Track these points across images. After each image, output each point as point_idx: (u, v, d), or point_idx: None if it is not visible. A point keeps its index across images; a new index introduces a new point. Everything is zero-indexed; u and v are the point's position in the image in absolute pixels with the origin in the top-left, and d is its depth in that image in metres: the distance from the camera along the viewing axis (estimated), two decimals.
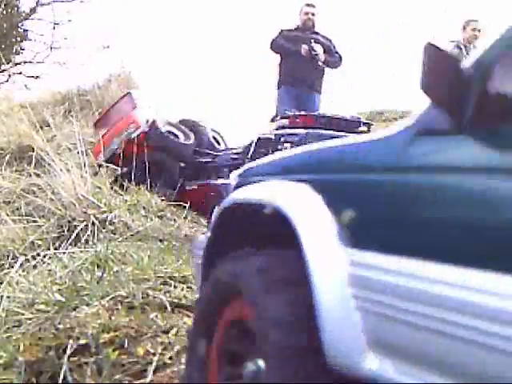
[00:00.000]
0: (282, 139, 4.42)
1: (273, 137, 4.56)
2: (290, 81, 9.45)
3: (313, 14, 9.65)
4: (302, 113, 4.74)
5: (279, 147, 4.38)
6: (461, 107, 1.21)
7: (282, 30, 9.55)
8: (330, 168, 1.55)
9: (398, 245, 1.25)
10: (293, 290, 1.41)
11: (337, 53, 9.40)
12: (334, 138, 4.28)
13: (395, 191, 1.31)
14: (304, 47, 9.15)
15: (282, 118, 4.71)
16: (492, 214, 1.11)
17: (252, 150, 4.78)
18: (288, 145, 4.29)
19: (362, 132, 4.40)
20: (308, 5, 9.66)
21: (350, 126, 4.45)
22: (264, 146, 4.62)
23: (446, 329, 1.12)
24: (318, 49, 9.09)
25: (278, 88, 9.56)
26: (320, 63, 9.03)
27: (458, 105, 1.22)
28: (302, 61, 9.13)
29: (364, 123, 4.50)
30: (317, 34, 9.49)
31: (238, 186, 1.92)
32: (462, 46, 7.48)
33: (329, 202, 1.42)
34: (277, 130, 4.70)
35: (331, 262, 1.33)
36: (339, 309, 1.29)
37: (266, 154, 4.41)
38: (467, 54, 7.49)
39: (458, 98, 1.21)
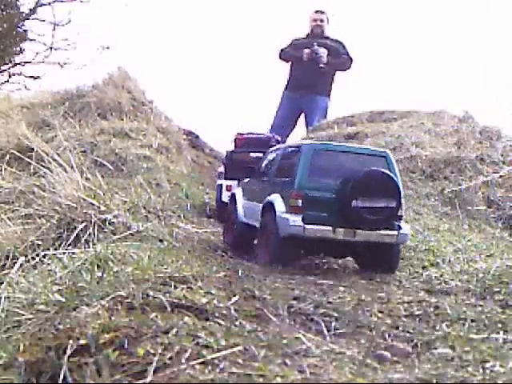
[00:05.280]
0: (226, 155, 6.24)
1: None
2: (291, 86, 9.45)
3: (321, 21, 9.50)
4: (241, 133, 6.50)
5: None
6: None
7: (292, 40, 9.49)
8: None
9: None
10: None
11: (346, 55, 9.25)
12: (245, 156, 5.93)
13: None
14: (305, 51, 9.07)
15: (236, 134, 6.39)
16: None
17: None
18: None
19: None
20: (317, 11, 9.55)
21: (265, 142, 6.00)
22: (226, 156, 6.35)
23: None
24: (321, 51, 8.97)
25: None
26: (322, 65, 8.94)
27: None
28: (305, 66, 9.08)
29: (276, 140, 6.24)
30: (326, 38, 9.38)
31: None
32: None
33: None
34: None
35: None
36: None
37: (228, 162, 6.09)
38: None
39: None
